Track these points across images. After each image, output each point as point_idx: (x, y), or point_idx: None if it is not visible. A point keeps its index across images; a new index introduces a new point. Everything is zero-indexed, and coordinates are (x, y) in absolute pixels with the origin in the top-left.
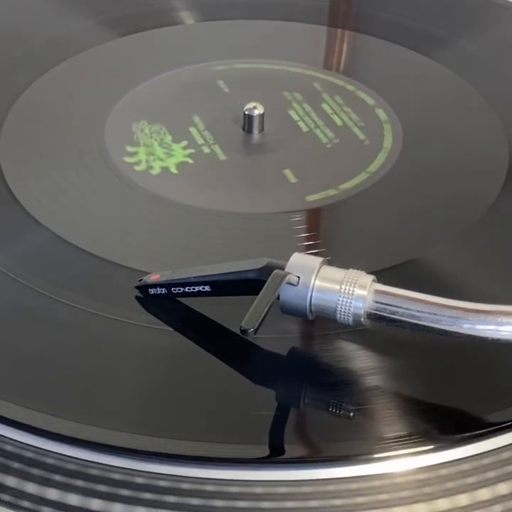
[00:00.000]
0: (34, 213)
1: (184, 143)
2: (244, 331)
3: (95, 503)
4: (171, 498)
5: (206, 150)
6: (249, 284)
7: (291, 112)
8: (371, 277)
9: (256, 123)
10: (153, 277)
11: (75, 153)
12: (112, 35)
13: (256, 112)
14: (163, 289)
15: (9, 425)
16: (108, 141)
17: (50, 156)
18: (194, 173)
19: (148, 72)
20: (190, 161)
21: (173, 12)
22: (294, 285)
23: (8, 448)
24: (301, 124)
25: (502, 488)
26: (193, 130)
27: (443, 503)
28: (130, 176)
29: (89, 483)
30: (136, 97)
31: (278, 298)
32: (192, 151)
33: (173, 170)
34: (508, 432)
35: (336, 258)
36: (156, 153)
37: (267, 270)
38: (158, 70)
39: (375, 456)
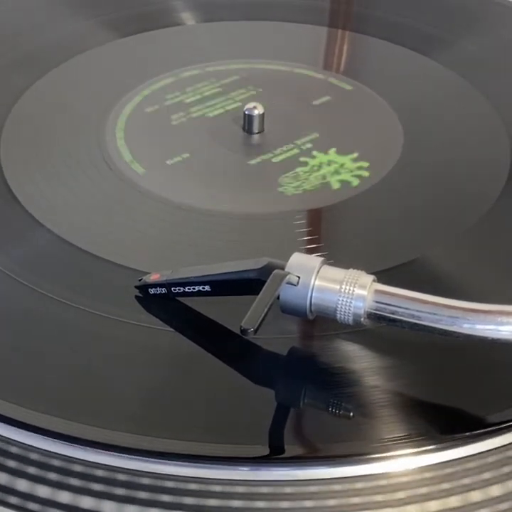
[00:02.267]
0: (34, 213)
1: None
2: (244, 331)
3: (92, 503)
4: (169, 498)
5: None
6: (249, 284)
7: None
8: (371, 277)
9: (256, 123)
10: (153, 277)
11: (75, 153)
12: (112, 35)
13: (256, 112)
14: (163, 289)
15: (9, 425)
16: (108, 141)
17: (51, 156)
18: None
19: (149, 73)
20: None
21: (173, 13)
22: (294, 285)
23: (6, 447)
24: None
25: (502, 489)
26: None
27: (442, 503)
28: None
29: (86, 483)
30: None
31: (278, 298)
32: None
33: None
34: (508, 432)
35: (336, 258)
36: None
37: (267, 270)
38: (159, 71)
39: (375, 456)
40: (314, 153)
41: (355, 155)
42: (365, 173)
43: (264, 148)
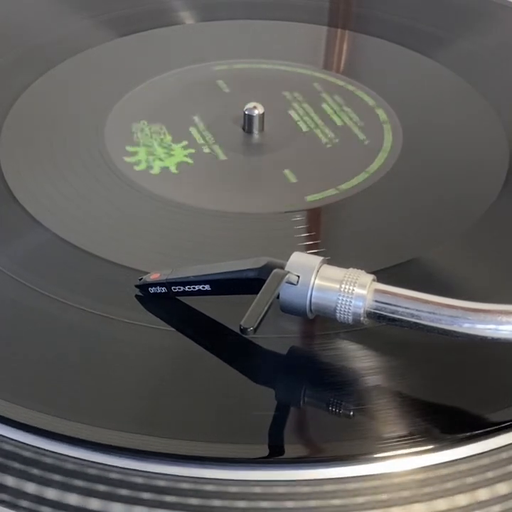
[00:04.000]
0: (34, 213)
1: (184, 143)
2: (243, 330)
3: (94, 503)
4: (170, 498)
5: (206, 150)
6: (249, 283)
7: (291, 112)
8: (371, 276)
9: (256, 123)
10: (153, 276)
11: (75, 153)
12: (111, 35)
13: (256, 112)
14: (163, 288)
15: (8, 425)
16: (108, 141)
17: (50, 155)
18: (194, 173)
19: (148, 72)
20: (190, 161)
21: (173, 12)
22: (294, 284)
23: (7, 447)
24: (301, 124)
25: (502, 488)
26: (193, 130)
27: (443, 503)
28: (130, 175)
29: (88, 483)
30: (136, 97)
31: (278, 297)
32: (192, 151)
33: (173, 170)
34: (508, 431)
35: (336, 258)
36: (156, 153)
37: (267, 269)
38: (158, 70)
39: (375, 455)
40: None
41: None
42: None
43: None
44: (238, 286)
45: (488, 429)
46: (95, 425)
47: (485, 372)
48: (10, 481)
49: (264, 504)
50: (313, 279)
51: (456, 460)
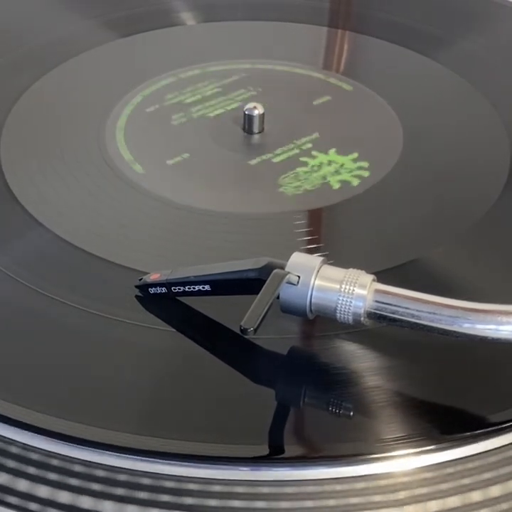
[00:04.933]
0: (34, 213)
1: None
2: (244, 331)
3: (88, 502)
4: (169, 498)
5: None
6: (249, 284)
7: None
8: (371, 277)
9: (256, 123)
10: (153, 276)
11: (75, 153)
12: (112, 36)
13: (256, 112)
14: (163, 288)
15: (7, 424)
16: (109, 141)
17: (51, 156)
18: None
19: (149, 73)
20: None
21: (173, 13)
22: (294, 284)
23: (6, 447)
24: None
25: (503, 488)
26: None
27: (442, 503)
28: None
29: (87, 483)
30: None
31: (278, 297)
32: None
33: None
34: (509, 432)
35: (337, 258)
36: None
37: (267, 269)
38: (159, 71)
39: (375, 456)
40: (314, 153)
41: (355, 155)
42: (365, 173)
43: (264, 148)
44: (238, 287)
45: (488, 429)
46: (93, 425)
47: (485, 373)
48: (4, 479)
49: (264, 504)
50: (313, 279)
51: (456, 460)
